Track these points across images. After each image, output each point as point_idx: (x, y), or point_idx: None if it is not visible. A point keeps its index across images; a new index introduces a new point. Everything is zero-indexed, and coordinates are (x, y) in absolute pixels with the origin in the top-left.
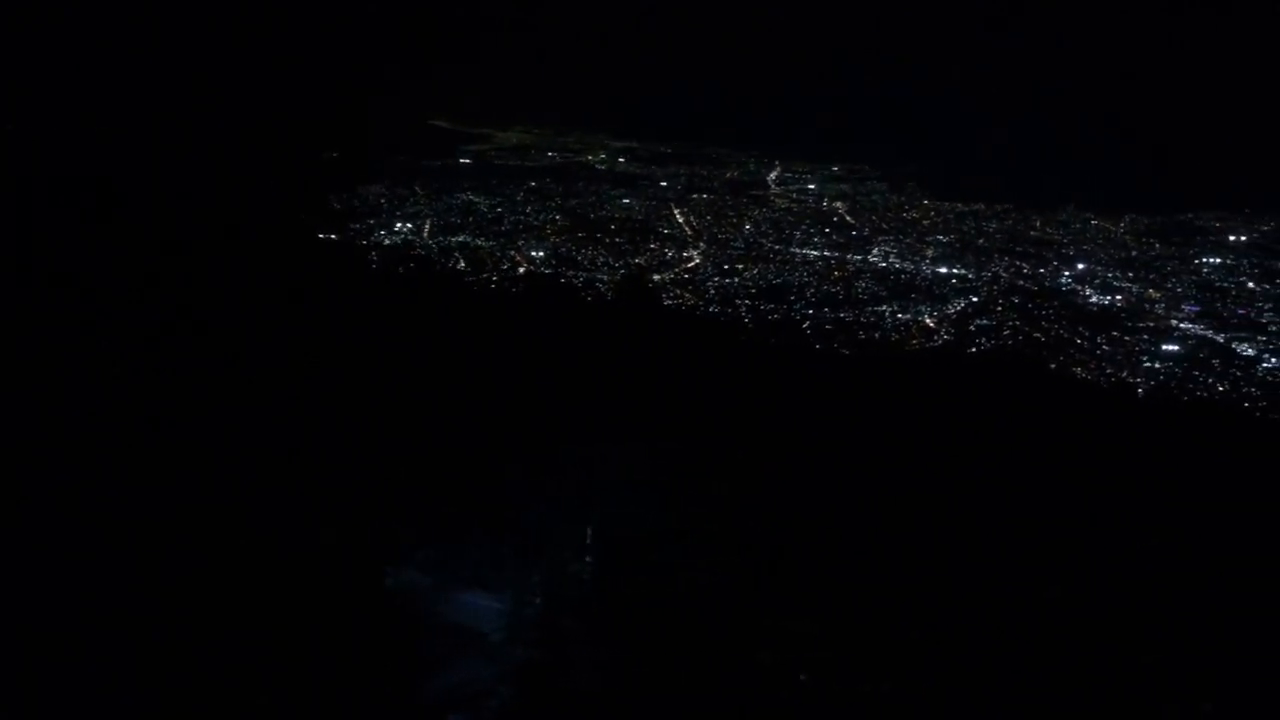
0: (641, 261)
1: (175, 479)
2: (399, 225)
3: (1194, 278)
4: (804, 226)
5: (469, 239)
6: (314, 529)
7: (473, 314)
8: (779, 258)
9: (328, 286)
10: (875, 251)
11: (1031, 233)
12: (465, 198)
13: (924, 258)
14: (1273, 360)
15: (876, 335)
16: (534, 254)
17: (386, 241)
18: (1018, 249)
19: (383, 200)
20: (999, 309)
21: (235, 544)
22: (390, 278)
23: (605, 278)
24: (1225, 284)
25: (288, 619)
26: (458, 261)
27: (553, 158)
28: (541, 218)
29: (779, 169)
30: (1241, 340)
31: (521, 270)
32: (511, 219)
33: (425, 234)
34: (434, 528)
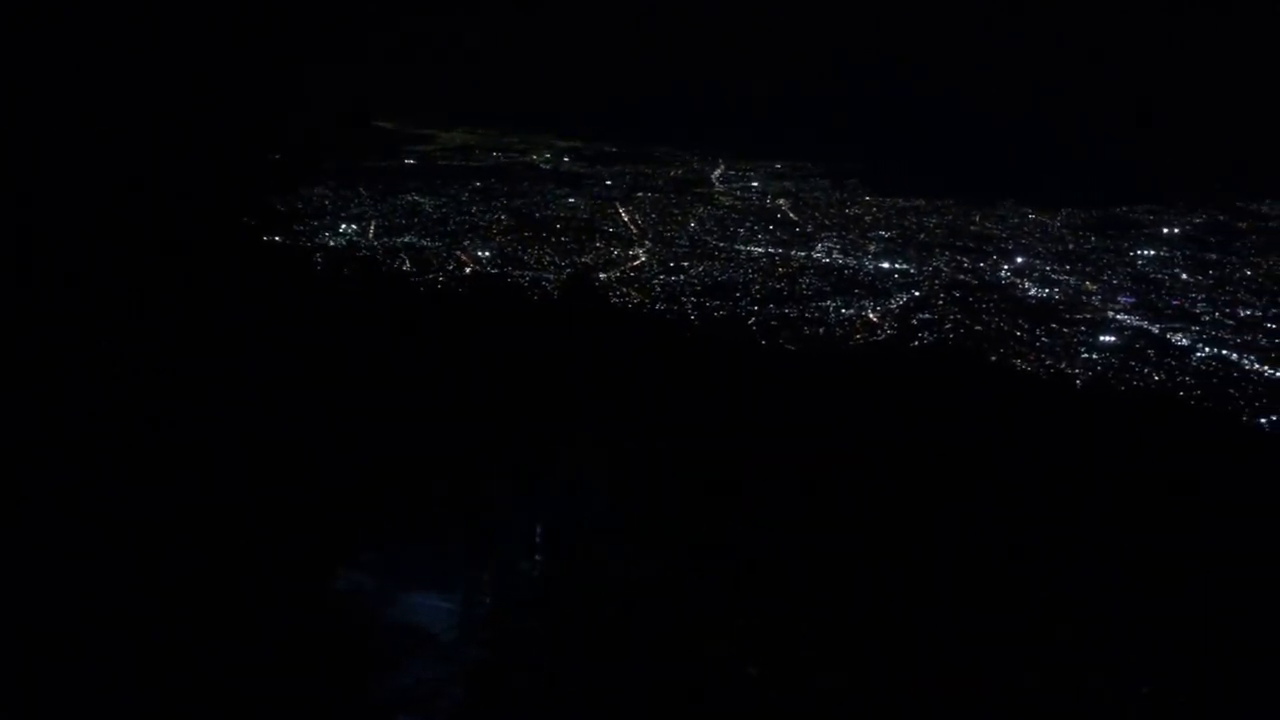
0: (587, 260)
1: (119, 483)
2: (344, 226)
3: (1129, 270)
4: (748, 223)
5: (414, 240)
6: (261, 532)
7: (419, 315)
8: (724, 255)
9: (272, 289)
10: (819, 248)
11: (971, 228)
12: (410, 198)
13: (867, 253)
14: (1206, 350)
15: (821, 330)
16: (480, 254)
17: (331, 243)
18: (958, 244)
19: (327, 201)
20: (940, 303)
21: (181, 549)
22: (336, 279)
23: (551, 277)
24: (1159, 276)
25: (237, 622)
26: (403, 262)
27: (497, 158)
28: (487, 218)
29: (723, 167)
30: (1176, 330)
31: (468, 270)
32: (457, 219)
33: (370, 235)
34: (383, 530)
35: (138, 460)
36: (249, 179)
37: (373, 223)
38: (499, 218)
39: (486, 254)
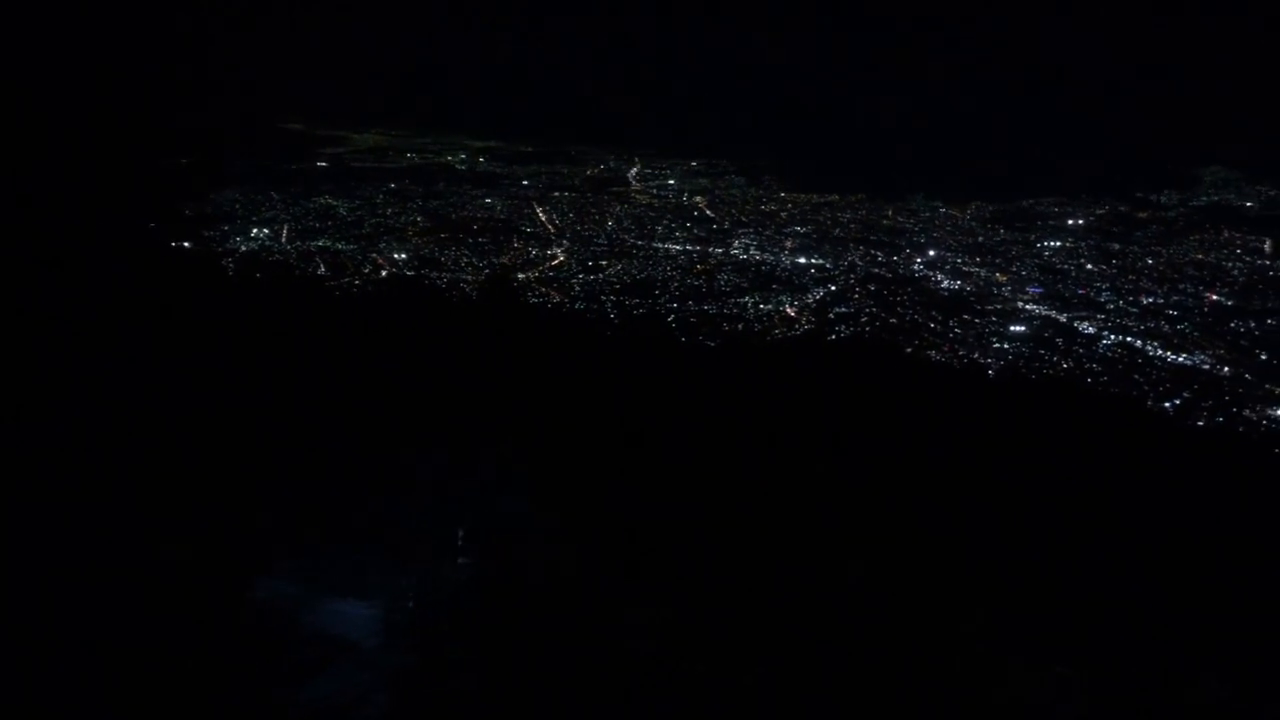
0: (505, 261)
1: (25, 491)
2: (255, 231)
3: (1037, 261)
4: (666, 221)
5: (329, 243)
6: (170, 541)
7: (335, 318)
8: (642, 253)
9: (182, 295)
10: (736, 244)
11: (884, 222)
12: (323, 201)
13: (783, 249)
14: (1112, 337)
15: (740, 326)
16: (396, 256)
17: (243, 248)
18: (872, 238)
19: (237, 205)
20: (856, 297)
21: (89, 558)
22: (248, 284)
23: (469, 278)
24: (1066, 266)
25: (148, 633)
26: (318, 266)
27: (411, 159)
28: (402, 219)
29: (639, 165)
30: (1082, 319)
31: (384, 273)
32: (372, 222)
33: (283, 239)
34: (300, 536)
35: (41, 469)
36: (153, 183)
37: (285, 226)
38: (415, 219)
39: (403, 256)
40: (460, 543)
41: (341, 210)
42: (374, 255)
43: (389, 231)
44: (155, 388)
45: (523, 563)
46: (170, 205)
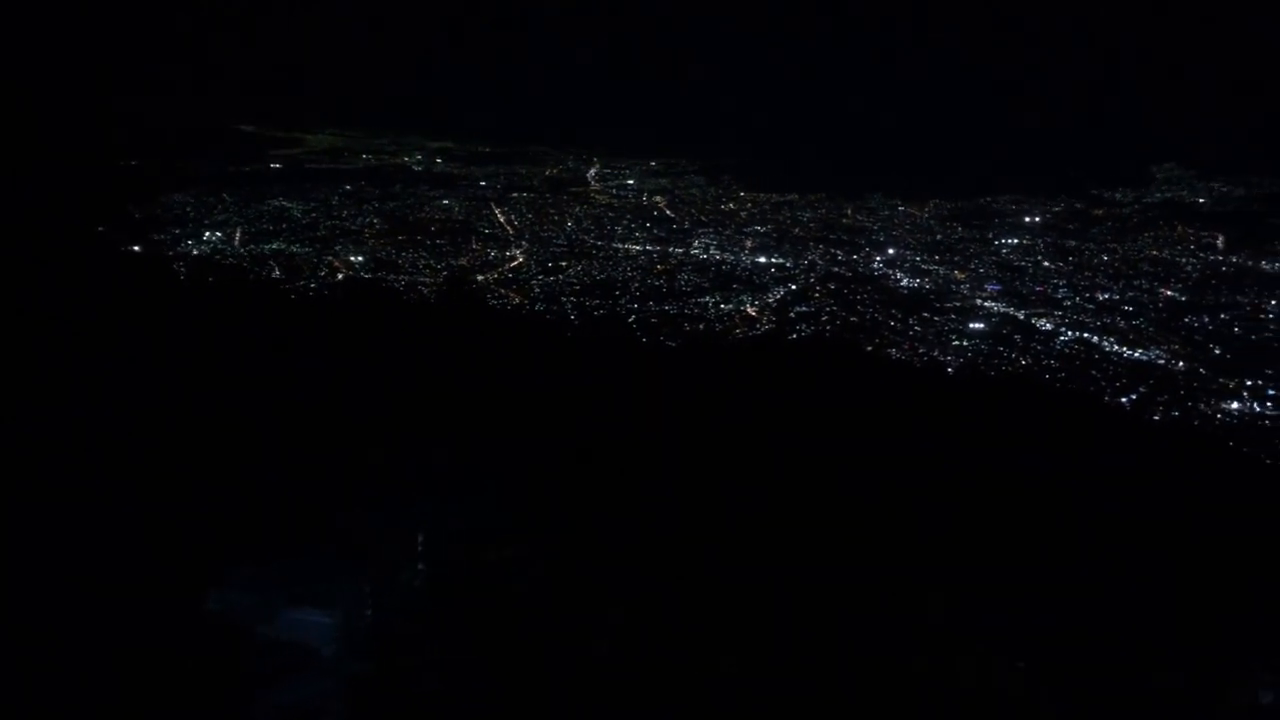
0: (464, 263)
1: None
2: (207, 234)
3: (994, 258)
4: (625, 222)
5: (283, 246)
6: (123, 551)
7: (290, 322)
8: (602, 253)
9: (132, 299)
10: (696, 244)
11: (844, 220)
12: (277, 203)
13: (743, 248)
14: (1069, 334)
15: (701, 326)
16: (352, 259)
17: (195, 251)
18: (832, 237)
19: (189, 209)
20: (817, 295)
21: (37, 568)
22: (200, 288)
23: (427, 280)
24: (1023, 263)
25: (100, 648)
26: (272, 270)
27: (367, 160)
28: (358, 222)
29: (598, 166)
30: (1040, 316)
31: (340, 276)
32: (327, 224)
33: (236, 242)
34: (256, 544)
35: None
36: (103, 186)
37: (238, 229)
38: (371, 221)
39: (360, 259)
40: (420, 548)
41: (296, 212)
42: (330, 258)
43: (345, 234)
44: (104, 395)
45: (483, 568)
46: (119, 208)
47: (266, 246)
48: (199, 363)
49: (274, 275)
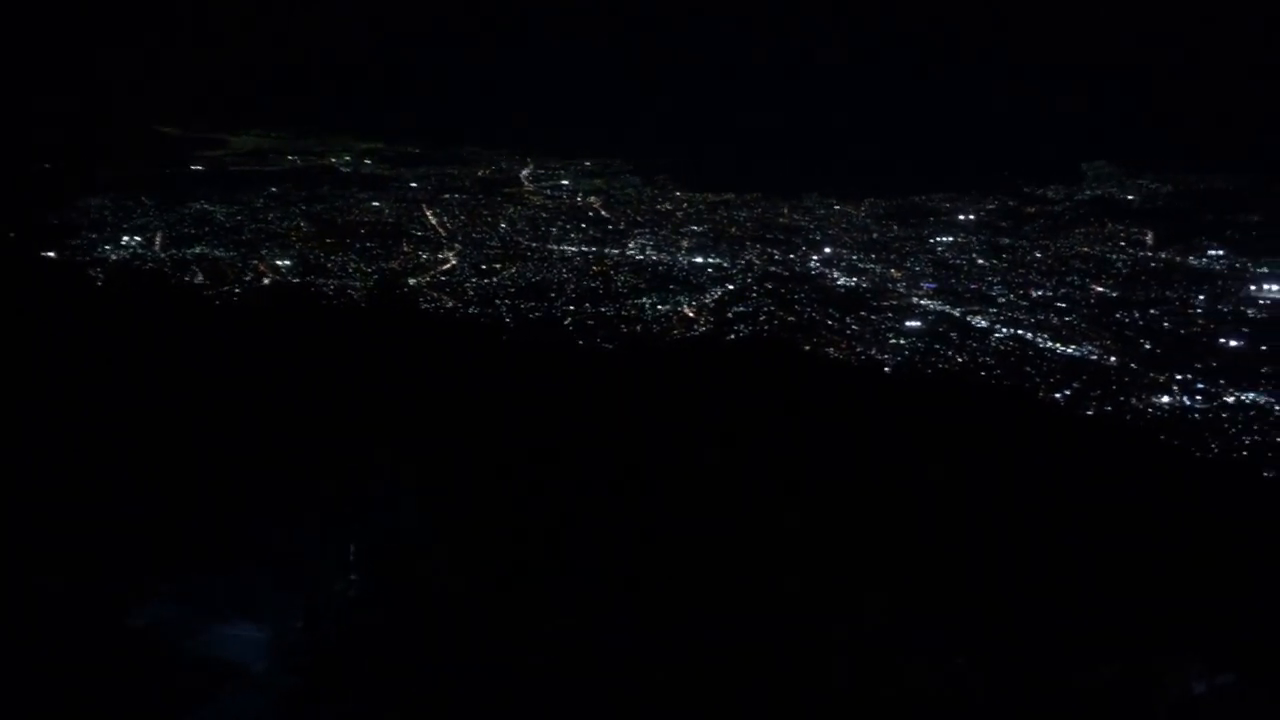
0: (395, 266)
1: None
2: (126, 239)
3: (930, 256)
4: (560, 223)
5: (206, 250)
6: (38, 568)
7: (215, 329)
8: (537, 255)
9: (46, 307)
10: (632, 245)
11: (780, 220)
12: (200, 206)
13: (680, 249)
14: (1004, 331)
15: (638, 328)
16: (279, 263)
17: (113, 257)
18: (768, 236)
19: (106, 212)
20: (754, 295)
21: None
22: (118, 295)
23: (357, 284)
24: (958, 261)
25: (20, 670)
26: (195, 275)
27: (294, 161)
28: (285, 224)
29: (531, 166)
30: (975, 313)
31: (266, 281)
32: (252, 227)
33: (157, 246)
34: (181, 557)
35: None
36: (12, 189)
37: (159, 234)
38: (298, 224)
39: (286, 263)
40: (352, 558)
41: (219, 215)
42: (255, 262)
43: (271, 237)
44: (15, 406)
45: (416, 578)
46: (32, 213)
47: (189, 251)
48: (118, 372)
49: (197, 280)
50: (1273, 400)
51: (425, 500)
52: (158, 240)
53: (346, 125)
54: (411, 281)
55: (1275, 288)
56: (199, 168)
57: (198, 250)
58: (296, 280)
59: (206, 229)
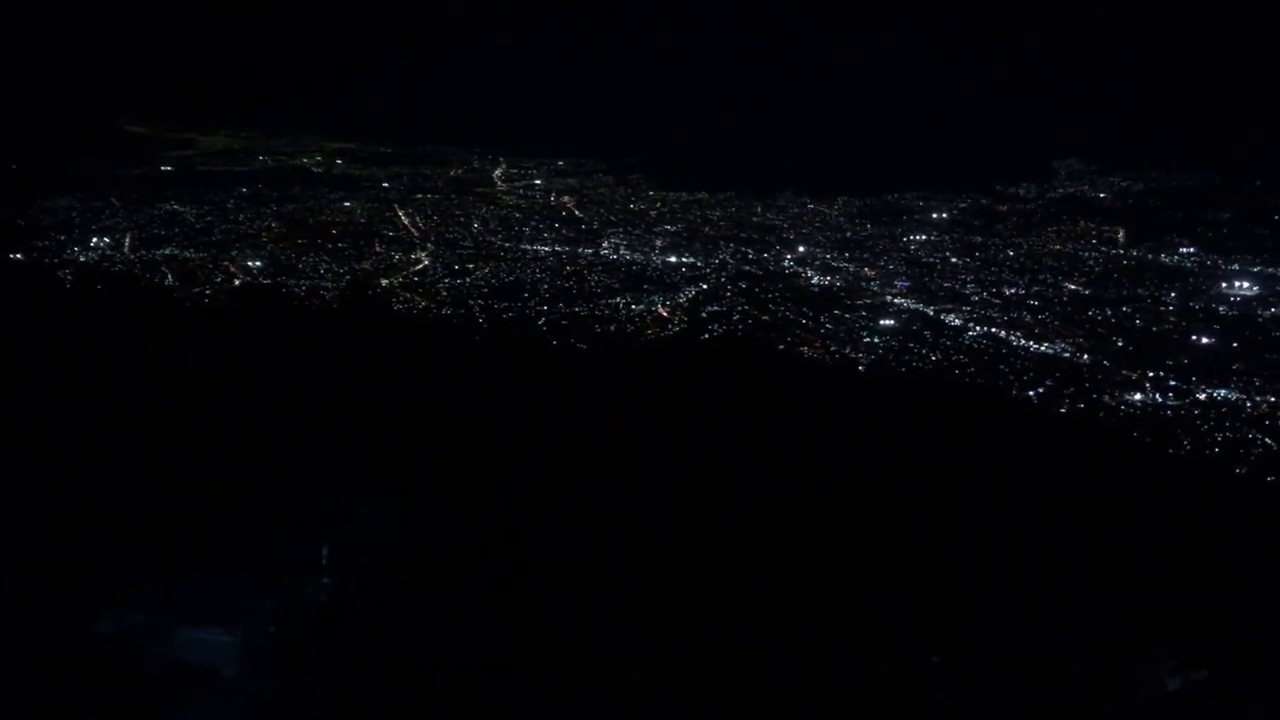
0: (367, 266)
1: None
2: (95, 240)
3: (904, 255)
4: (533, 222)
5: (176, 251)
6: (5, 573)
7: (185, 331)
8: (510, 255)
9: (13, 310)
10: (606, 244)
11: (754, 219)
12: (169, 207)
13: (654, 248)
14: (977, 329)
15: (612, 328)
16: (250, 264)
17: (81, 258)
18: (742, 235)
19: (74, 213)
20: (728, 294)
21: None
22: (87, 297)
23: (329, 285)
24: (931, 259)
25: None
26: (165, 276)
27: (264, 161)
28: (256, 225)
29: (504, 166)
30: (949, 312)
31: (237, 282)
32: (223, 228)
33: (126, 248)
34: (150, 560)
35: None
36: None
37: (128, 235)
38: (269, 225)
39: (258, 264)
40: (324, 561)
41: (189, 216)
42: (226, 263)
43: (241, 238)
44: None
45: (390, 580)
46: None
47: (158, 252)
48: (86, 376)
49: (167, 282)
50: (1244, 397)
51: (398, 502)
52: (127, 241)
53: (318, 125)
54: (384, 282)
55: (1246, 285)
56: (168, 168)
57: (167, 251)
58: (268, 281)
59: (176, 230)
